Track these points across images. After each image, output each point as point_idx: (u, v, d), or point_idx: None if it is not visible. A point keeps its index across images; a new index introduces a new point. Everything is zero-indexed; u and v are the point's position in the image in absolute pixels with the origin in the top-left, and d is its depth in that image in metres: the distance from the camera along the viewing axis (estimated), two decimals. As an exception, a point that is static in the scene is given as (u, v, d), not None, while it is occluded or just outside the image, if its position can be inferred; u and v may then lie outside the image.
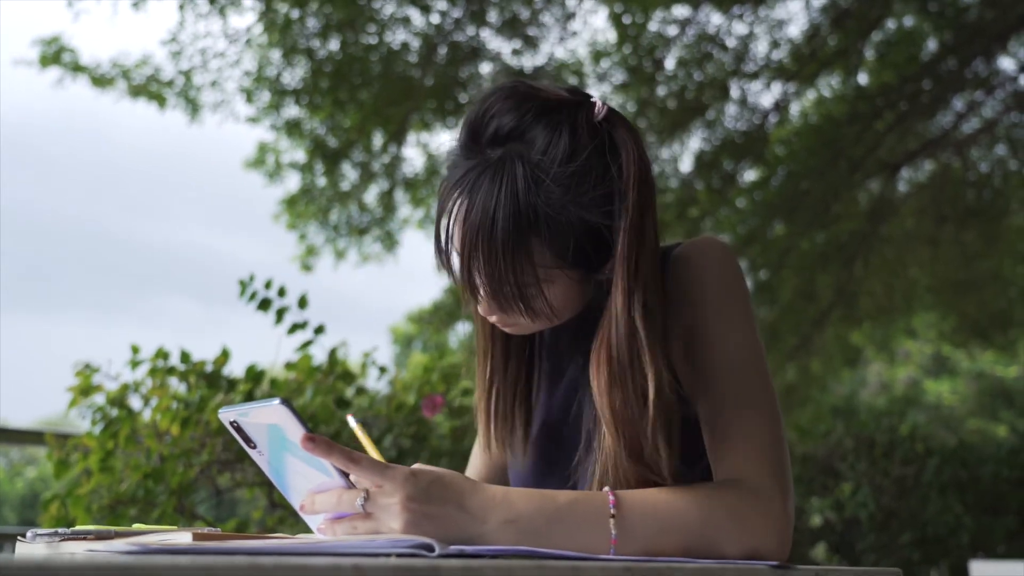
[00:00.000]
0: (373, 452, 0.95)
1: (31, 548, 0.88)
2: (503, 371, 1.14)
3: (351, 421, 0.98)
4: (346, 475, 0.83)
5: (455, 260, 0.97)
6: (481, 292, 0.98)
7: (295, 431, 0.80)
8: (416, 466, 0.83)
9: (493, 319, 1.04)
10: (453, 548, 0.71)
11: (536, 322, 1.02)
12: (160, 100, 6.18)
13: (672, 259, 1.08)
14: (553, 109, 0.97)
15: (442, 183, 1.00)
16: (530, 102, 0.97)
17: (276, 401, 0.80)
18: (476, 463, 1.28)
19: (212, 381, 2.43)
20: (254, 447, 0.88)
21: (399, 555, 0.67)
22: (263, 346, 2.74)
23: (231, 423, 0.86)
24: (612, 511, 0.85)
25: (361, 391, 2.76)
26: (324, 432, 2.42)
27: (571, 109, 0.97)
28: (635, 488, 0.93)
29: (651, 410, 0.93)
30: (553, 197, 0.93)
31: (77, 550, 0.80)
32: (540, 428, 1.14)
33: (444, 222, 0.97)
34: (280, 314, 2.55)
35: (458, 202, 0.95)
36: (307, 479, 0.86)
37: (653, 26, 6.54)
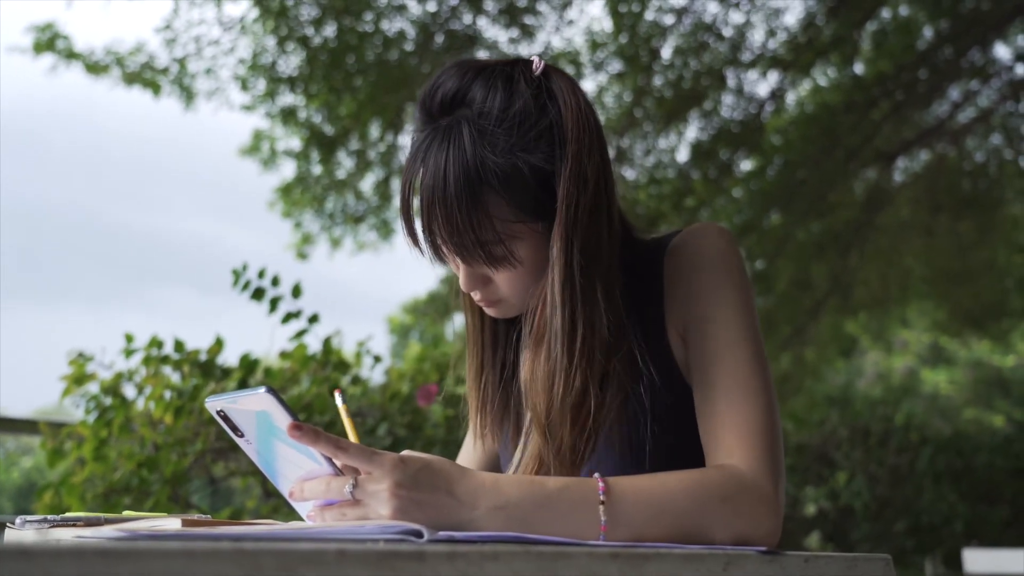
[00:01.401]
0: (352, 434, 0.95)
1: (19, 535, 0.87)
2: (492, 360, 1.14)
3: (338, 399, 0.97)
4: (334, 463, 0.83)
5: (419, 229, 0.99)
6: (448, 255, 1.00)
7: (282, 419, 0.80)
8: (405, 452, 0.83)
9: (477, 297, 1.05)
10: (442, 534, 0.71)
11: (510, 283, 1.01)
12: (155, 88, 6.15)
13: (670, 247, 1.08)
14: (489, 68, 1.01)
15: (404, 163, 1.03)
16: (469, 67, 1.01)
17: (262, 390, 0.80)
18: (467, 453, 1.28)
19: (206, 370, 2.43)
20: (241, 435, 0.87)
21: (387, 541, 0.66)
22: (259, 335, 2.74)
23: (218, 412, 0.85)
24: (602, 497, 0.84)
25: (356, 380, 2.76)
26: (318, 421, 2.42)
27: (507, 66, 1.02)
28: (550, 471, 0.95)
29: (573, 369, 0.94)
30: (498, 144, 0.96)
31: (65, 536, 0.80)
32: None
33: (406, 196, 1.00)
34: (274, 303, 2.54)
35: (415, 173, 0.99)
36: (296, 466, 0.86)
37: (649, 15, 6.52)
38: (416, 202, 0.99)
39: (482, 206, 0.96)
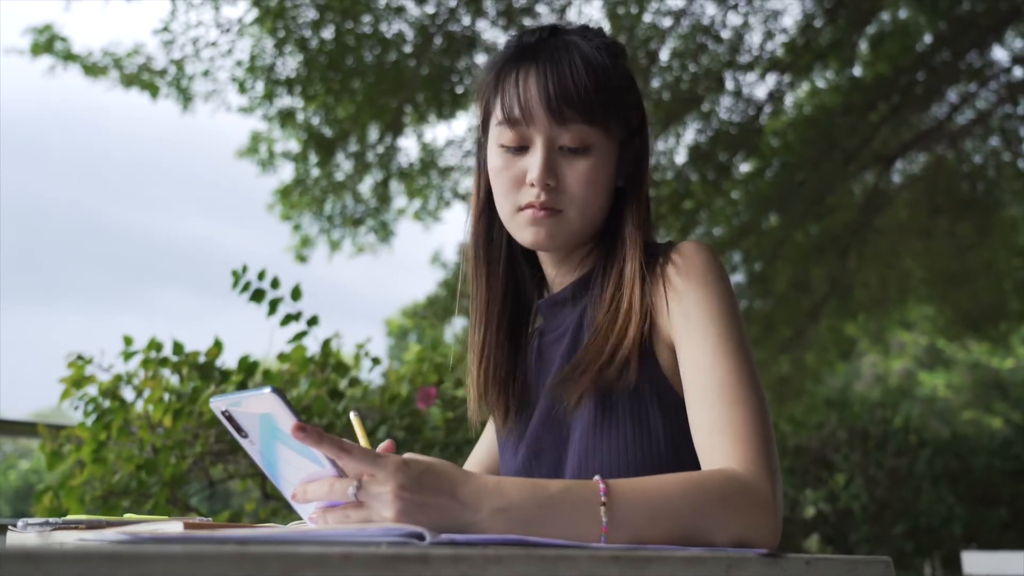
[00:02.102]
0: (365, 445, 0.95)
1: (21, 537, 0.87)
2: (496, 338, 1.19)
3: (352, 416, 0.98)
4: (337, 465, 0.83)
5: (538, 105, 1.08)
6: (525, 134, 1.09)
7: (286, 420, 0.80)
8: (408, 455, 0.83)
9: (542, 200, 1.09)
10: (444, 537, 0.71)
11: (582, 180, 1.09)
12: (152, 89, 6.15)
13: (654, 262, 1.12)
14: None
15: (494, 63, 1.14)
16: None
17: (267, 390, 0.80)
18: (476, 455, 1.32)
19: (205, 372, 2.42)
20: (245, 436, 0.87)
21: (389, 544, 0.66)
22: (258, 337, 2.74)
23: (222, 412, 0.85)
24: (603, 499, 0.85)
25: (355, 382, 2.75)
26: (317, 424, 2.42)
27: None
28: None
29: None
30: (604, 51, 1.11)
31: (68, 539, 0.80)
32: (537, 415, 1.15)
33: (517, 84, 1.09)
34: (273, 305, 2.54)
35: (530, 66, 1.09)
36: (299, 469, 0.86)
37: (648, 17, 6.53)
38: (531, 86, 1.08)
39: (605, 79, 1.09)
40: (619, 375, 1.05)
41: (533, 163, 1.08)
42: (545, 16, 6.37)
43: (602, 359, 1.05)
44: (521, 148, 1.09)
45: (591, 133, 1.08)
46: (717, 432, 0.96)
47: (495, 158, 1.12)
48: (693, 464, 1.01)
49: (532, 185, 1.08)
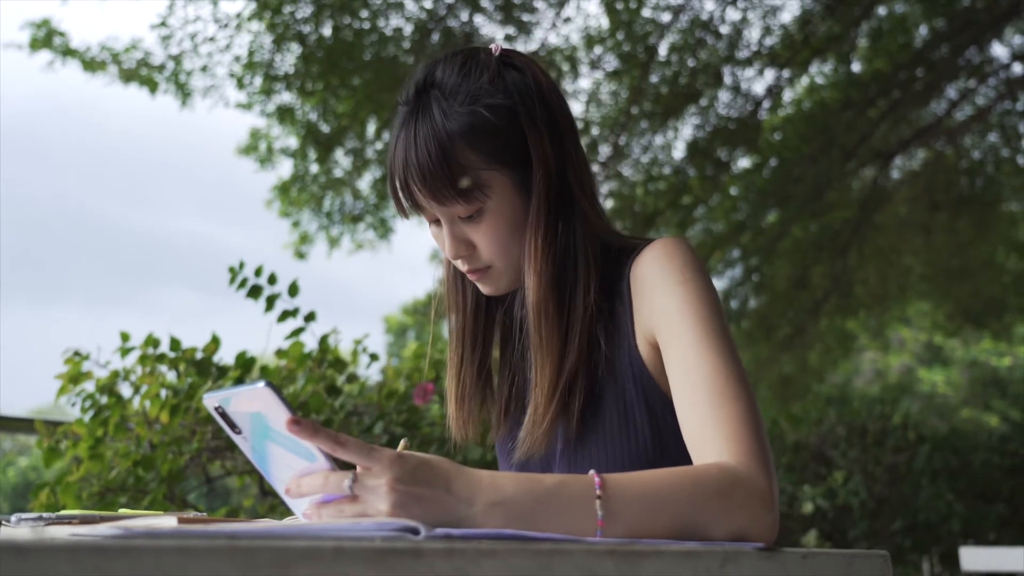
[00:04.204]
0: None
1: (14, 532, 0.87)
2: (471, 358, 1.23)
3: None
4: (331, 459, 0.82)
5: (401, 193, 1.09)
6: (428, 209, 1.09)
7: (279, 416, 0.79)
8: (402, 449, 0.83)
9: (466, 269, 1.13)
10: (439, 531, 0.71)
11: (490, 240, 1.10)
12: (151, 85, 6.14)
13: (635, 258, 1.12)
14: (452, 52, 1.13)
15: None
16: (435, 57, 1.14)
17: (261, 384, 0.79)
18: None
19: (202, 368, 2.42)
20: (239, 432, 0.87)
21: (383, 539, 0.66)
22: (256, 334, 2.73)
23: (215, 408, 0.85)
24: (598, 492, 0.84)
25: (352, 378, 2.75)
26: (314, 420, 2.41)
27: (468, 50, 1.13)
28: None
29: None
30: (458, 98, 1.07)
31: (61, 534, 0.80)
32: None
33: (390, 171, 1.10)
34: (271, 301, 2.53)
35: (394, 148, 1.09)
36: (290, 467, 0.85)
37: (646, 12, 6.52)
38: (398, 169, 1.08)
39: (453, 157, 1.05)
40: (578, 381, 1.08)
41: (444, 242, 1.12)
42: (543, 11, 6.35)
43: (552, 401, 1.07)
44: (436, 220, 1.12)
45: (469, 196, 1.07)
46: (709, 428, 0.96)
47: (429, 227, 1.16)
48: (683, 463, 1.01)
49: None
